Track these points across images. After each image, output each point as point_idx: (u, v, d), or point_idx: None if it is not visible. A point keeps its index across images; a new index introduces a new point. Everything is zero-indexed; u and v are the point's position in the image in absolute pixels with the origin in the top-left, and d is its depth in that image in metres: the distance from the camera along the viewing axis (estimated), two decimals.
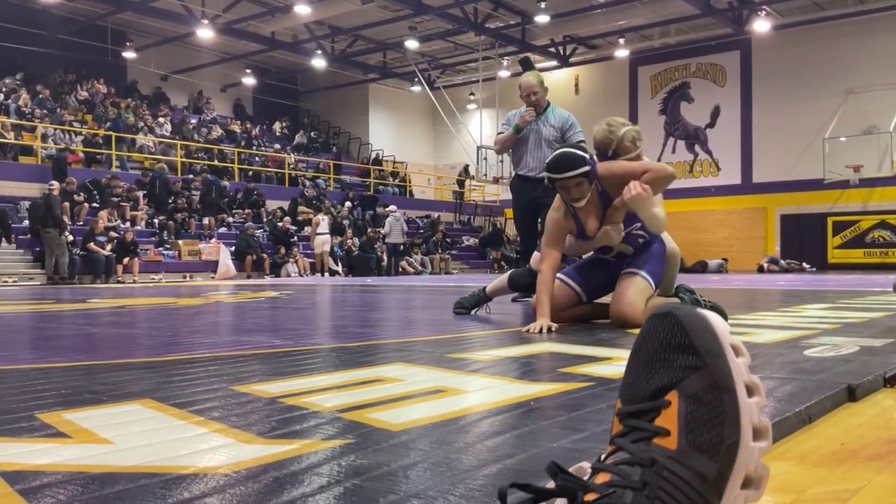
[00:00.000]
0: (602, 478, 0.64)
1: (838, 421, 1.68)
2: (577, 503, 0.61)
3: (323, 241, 19.56)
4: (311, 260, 19.62)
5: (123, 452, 1.30)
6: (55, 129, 19.31)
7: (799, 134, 22.37)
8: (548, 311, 3.53)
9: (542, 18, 21.61)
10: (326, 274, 19.16)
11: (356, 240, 21.04)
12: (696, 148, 24.63)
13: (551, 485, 0.65)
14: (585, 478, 0.65)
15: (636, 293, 3.59)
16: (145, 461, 1.24)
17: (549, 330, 3.36)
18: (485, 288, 4.63)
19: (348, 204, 23.14)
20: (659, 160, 25.02)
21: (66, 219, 15.31)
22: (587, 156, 3.59)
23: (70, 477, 1.16)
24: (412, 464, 1.22)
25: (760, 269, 20.79)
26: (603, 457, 0.68)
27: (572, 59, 26.14)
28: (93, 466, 1.21)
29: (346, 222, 21.85)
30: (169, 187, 19.32)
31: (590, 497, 0.62)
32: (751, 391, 0.67)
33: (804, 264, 20.93)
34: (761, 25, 21.41)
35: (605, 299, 3.88)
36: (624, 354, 2.58)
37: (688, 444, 0.65)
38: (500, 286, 4.57)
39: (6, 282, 14.09)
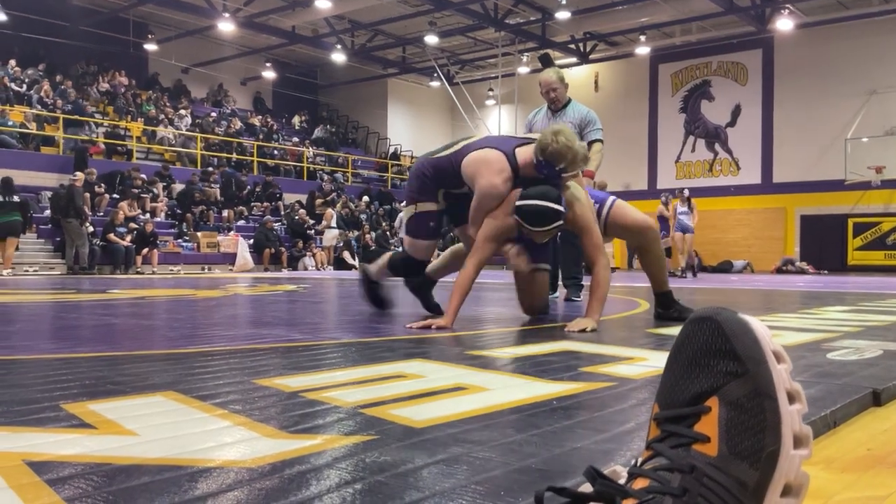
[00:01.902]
0: (640, 483, 0.63)
1: (863, 426, 1.66)
2: None
3: (332, 236, 19.82)
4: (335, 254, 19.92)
5: (148, 444, 1.31)
6: (77, 119, 19.45)
7: (820, 134, 22.15)
8: (454, 313, 3.51)
9: (562, 15, 21.51)
10: (331, 267, 19.33)
11: (374, 234, 21.14)
12: (717, 147, 24.44)
13: (584, 488, 0.64)
14: (620, 482, 0.65)
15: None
16: (170, 454, 1.25)
17: (440, 327, 3.39)
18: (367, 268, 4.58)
19: (366, 198, 23.19)
20: (678, 159, 25.00)
21: (86, 209, 15.42)
22: (561, 207, 3.54)
23: (96, 468, 1.16)
24: (435, 461, 1.22)
25: (778, 271, 20.76)
26: (639, 461, 0.67)
27: (592, 56, 26.01)
28: (119, 458, 1.22)
29: (363, 217, 21.92)
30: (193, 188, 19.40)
31: (627, 503, 0.61)
32: (792, 398, 0.66)
33: (810, 268, 20.80)
34: (784, 24, 21.19)
35: None
36: (645, 354, 2.58)
37: (728, 451, 0.64)
38: (382, 268, 4.47)
39: (27, 271, 14.23)
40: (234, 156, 22.55)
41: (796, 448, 0.65)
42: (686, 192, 15.46)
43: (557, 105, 5.87)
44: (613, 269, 14.72)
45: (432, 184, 4.04)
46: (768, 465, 0.64)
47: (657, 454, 0.66)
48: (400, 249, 4.36)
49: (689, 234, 15.04)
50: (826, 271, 20.70)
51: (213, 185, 20.05)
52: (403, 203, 4.22)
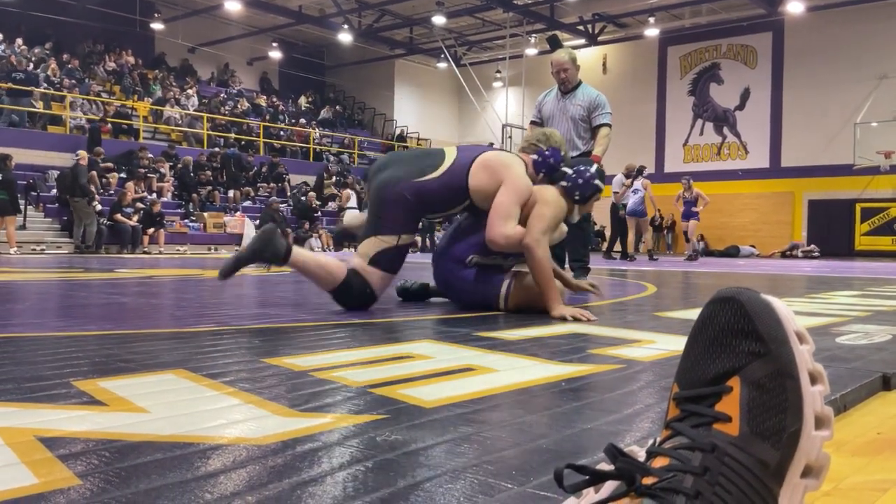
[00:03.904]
0: (660, 462, 0.63)
1: (873, 410, 1.66)
2: (635, 486, 0.60)
3: (352, 216, 19.79)
4: None
5: (160, 421, 1.31)
6: (84, 98, 19.44)
7: (829, 118, 22.00)
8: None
9: None
10: (353, 249, 19.33)
11: None
12: (725, 130, 24.31)
13: (601, 466, 0.64)
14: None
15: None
16: (181, 430, 1.25)
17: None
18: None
19: None
20: (686, 142, 24.90)
21: (93, 188, 15.43)
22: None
23: (108, 444, 1.17)
24: (446, 440, 1.22)
25: (783, 255, 20.75)
26: (658, 441, 0.67)
27: (601, 38, 25.82)
28: (130, 434, 1.23)
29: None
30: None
31: (647, 481, 0.61)
32: (814, 379, 0.66)
33: (814, 251, 20.89)
34: (794, 7, 20.98)
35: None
36: (652, 337, 2.57)
37: (750, 431, 0.64)
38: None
39: (34, 249, 14.27)
40: (242, 137, 22.49)
41: (818, 429, 0.65)
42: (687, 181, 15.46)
43: (567, 86, 5.83)
44: (628, 255, 14.69)
45: (417, 211, 3.57)
46: (789, 445, 0.64)
47: (677, 433, 0.65)
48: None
49: (692, 221, 15.16)
50: (819, 253, 20.74)
51: (213, 165, 20.02)
52: (367, 232, 3.52)
